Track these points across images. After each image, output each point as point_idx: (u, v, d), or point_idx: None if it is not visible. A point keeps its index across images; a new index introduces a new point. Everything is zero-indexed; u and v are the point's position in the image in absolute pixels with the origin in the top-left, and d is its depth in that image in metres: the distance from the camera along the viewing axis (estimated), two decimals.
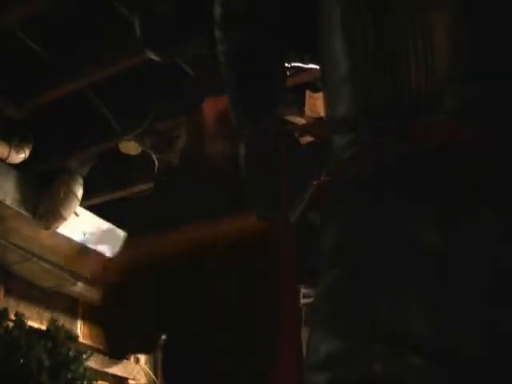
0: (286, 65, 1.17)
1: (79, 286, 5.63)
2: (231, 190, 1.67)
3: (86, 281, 5.56)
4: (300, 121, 3.44)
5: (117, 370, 6.18)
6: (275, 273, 0.99)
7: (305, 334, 0.95)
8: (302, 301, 1.46)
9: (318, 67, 1.11)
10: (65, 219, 4.56)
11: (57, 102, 3.82)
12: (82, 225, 4.86)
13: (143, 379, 6.29)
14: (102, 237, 5.00)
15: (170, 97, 3.76)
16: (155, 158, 4.13)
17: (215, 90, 1.74)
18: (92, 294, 5.77)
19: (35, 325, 5.10)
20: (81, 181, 4.50)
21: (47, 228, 4.57)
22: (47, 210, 4.49)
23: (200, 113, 1.80)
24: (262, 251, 1.45)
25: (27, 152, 4.15)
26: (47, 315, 5.59)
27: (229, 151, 1.72)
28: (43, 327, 5.03)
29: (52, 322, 5.03)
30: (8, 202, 4.35)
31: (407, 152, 0.82)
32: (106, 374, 6.05)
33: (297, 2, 1.12)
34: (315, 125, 1.81)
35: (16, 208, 4.42)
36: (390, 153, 0.83)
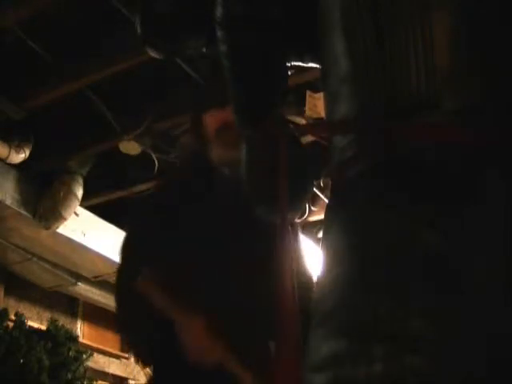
0: (287, 65, 1.17)
1: (79, 286, 5.63)
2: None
3: (86, 281, 5.57)
4: (300, 121, 3.44)
5: (117, 369, 6.19)
6: (275, 272, 0.99)
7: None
8: None
9: (318, 67, 1.11)
10: (65, 219, 4.56)
11: (57, 102, 3.82)
12: (82, 225, 4.86)
13: (143, 379, 6.29)
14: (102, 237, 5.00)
15: (170, 97, 3.76)
16: (155, 158, 4.13)
17: (218, 102, 1.83)
18: (92, 295, 5.79)
19: (35, 325, 5.11)
20: (81, 181, 4.50)
21: (47, 228, 4.57)
22: (47, 210, 4.49)
23: (201, 123, 1.88)
24: None
25: (27, 152, 4.15)
26: (47, 315, 5.60)
27: (229, 159, 1.79)
28: (43, 327, 5.03)
29: (52, 322, 5.04)
30: (8, 202, 4.35)
31: (407, 152, 0.82)
32: (106, 373, 6.06)
33: (297, 1, 1.12)
34: (315, 125, 1.81)
35: (16, 208, 4.41)
36: (390, 153, 0.83)
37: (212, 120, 1.87)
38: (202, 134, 1.89)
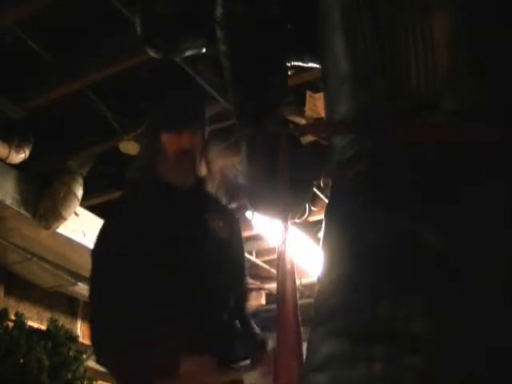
0: (287, 65, 1.17)
1: (79, 286, 5.63)
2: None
3: (86, 281, 5.57)
4: (300, 121, 3.44)
5: None
6: (276, 272, 1.00)
7: (305, 334, 0.95)
8: (303, 301, 1.47)
9: (318, 67, 1.11)
10: (65, 219, 4.56)
11: (57, 102, 3.82)
12: (81, 225, 4.86)
13: None
14: None
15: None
16: None
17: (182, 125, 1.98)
18: None
19: (35, 325, 5.11)
20: (81, 181, 4.50)
21: (47, 228, 4.57)
22: (47, 210, 4.49)
23: (160, 141, 2.00)
24: None
25: (27, 152, 4.15)
26: (47, 315, 5.60)
27: (182, 183, 1.98)
28: (43, 327, 5.03)
29: (52, 322, 5.04)
30: (8, 202, 4.35)
31: (407, 152, 0.82)
32: (106, 374, 6.05)
33: (297, 1, 1.12)
34: (315, 125, 1.81)
35: (16, 208, 4.41)
36: (390, 153, 0.83)
37: (171, 143, 1.98)
38: (158, 150, 2.00)
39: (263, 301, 6.60)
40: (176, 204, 1.93)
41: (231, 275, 1.94)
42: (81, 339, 5.54)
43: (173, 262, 1.81)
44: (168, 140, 1.99)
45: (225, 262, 1.93)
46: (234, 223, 2.07)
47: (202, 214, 1.95)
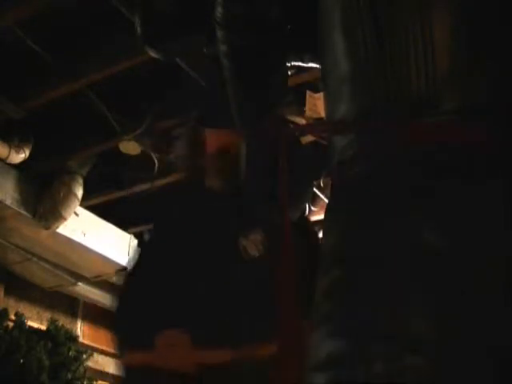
0: (287, 65, 1.17)
1: (79, 286, 5.63)
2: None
3: (86, 281, 5.57)
4: (300, 121, 3.43)
5: (117, 369, 6.16)
6: (275, 272, 1.00)
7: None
8: None
9: (318, 67, 1.11)
10: (65, 219, 4.56)
11: (57, 101, 3.82)
12: (81, 225, 4.86)
13: None
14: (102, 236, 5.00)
15: (170, 97, 3.76)
16: (155, 158, 4.13)
17: (222, 123, 1.77)
18: (92, 295, 5.79)
19: (35, 325, 5.11)
20: (81, 181, 4.50)
21: (47, 228, 4.57)
22: (47, 210, 4.49)
23: (200, 136, 1.82)
24: None
25: (27, 152, 4.15)
26: (47, 315, 5.60)
27: (222, 185, 1.80)
28: (43, 327, 5.03)
29: (52, 322, 5.04)
30: (8, 202, 4.35)
31: (407, 152, 0.82)
32: (106, 374, 6.05)
33: (297, 1, 1.12)
34: (315, 125, 1.81)
35: (16, 208, 4.41)
36: (391, 153, 0.83)
37: (214, 139, 1.80)
38: (198, 150, 1.84)
39: None
40: (208, 214, 1.75)
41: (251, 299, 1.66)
42: (81, 339, 5.54)
43: (183, 279, 1.69)
44: (211, 135, 1.80)
45: (245, 284, 1.67)
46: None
47: (234, 225, 1.72)
